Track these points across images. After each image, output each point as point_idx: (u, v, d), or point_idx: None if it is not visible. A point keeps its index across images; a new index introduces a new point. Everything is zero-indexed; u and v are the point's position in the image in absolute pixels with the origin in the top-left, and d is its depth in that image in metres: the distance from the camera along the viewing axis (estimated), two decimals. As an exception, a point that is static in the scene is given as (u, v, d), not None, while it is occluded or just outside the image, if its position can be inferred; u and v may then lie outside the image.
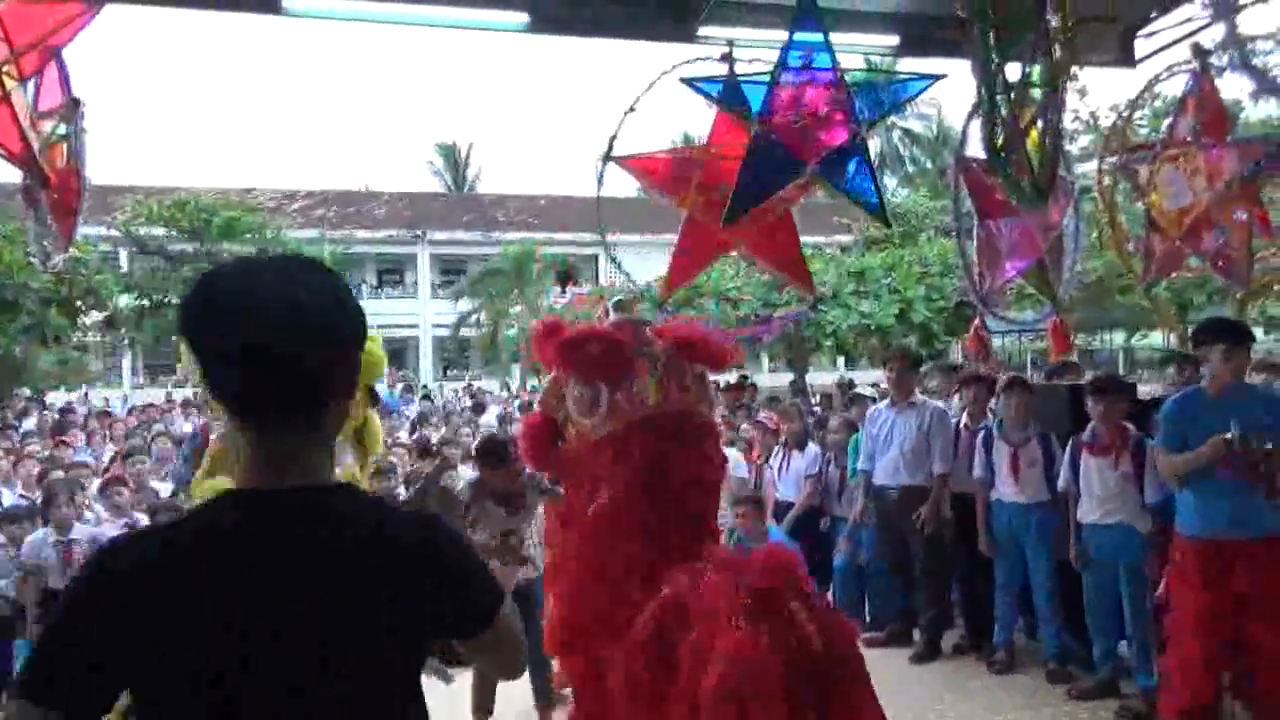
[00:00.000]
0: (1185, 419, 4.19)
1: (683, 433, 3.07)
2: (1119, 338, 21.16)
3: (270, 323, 1.16)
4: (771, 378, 20.07)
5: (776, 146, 4.70)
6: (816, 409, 9.40)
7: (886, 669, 5.16)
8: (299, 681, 1.15)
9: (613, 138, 4.76)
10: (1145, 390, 6.63)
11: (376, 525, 1.25)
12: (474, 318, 25.14)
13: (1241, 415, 4.00)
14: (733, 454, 6.40)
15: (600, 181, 4.74)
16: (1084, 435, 4.75)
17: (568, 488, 3.30)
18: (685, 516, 3.01)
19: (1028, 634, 5.40)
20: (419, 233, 30.81)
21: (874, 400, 7.17)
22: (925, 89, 5.13)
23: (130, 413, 14.24)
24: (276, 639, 1.14)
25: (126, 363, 28.65)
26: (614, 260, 6.04)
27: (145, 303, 21.80)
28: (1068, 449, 4.84)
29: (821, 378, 20.71)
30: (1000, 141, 4.98)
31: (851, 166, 4.85)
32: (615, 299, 3.49)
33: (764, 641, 2.37)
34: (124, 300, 20.86)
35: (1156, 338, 18.15)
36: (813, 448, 6.43)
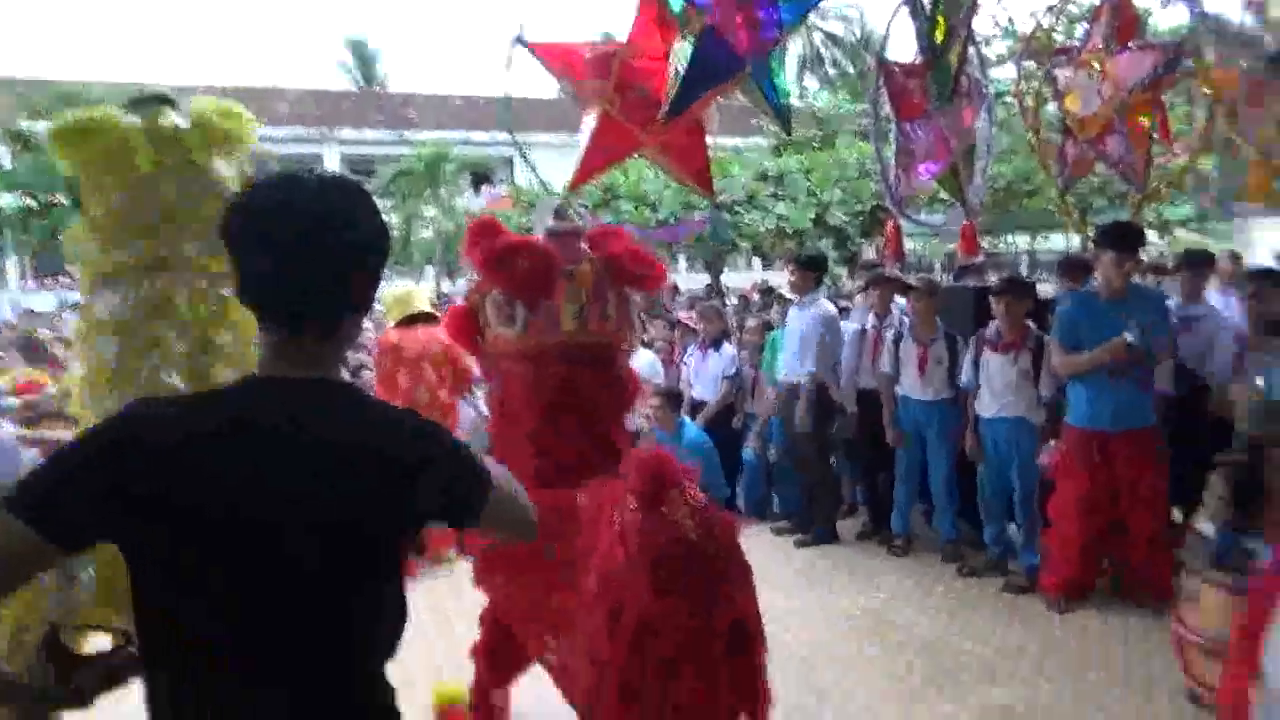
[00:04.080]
0: (1081, 319, 4.41)
1: (597, 361, 3.08)
2: (1023, 240, 21.80)
3: (305, 233, 1.26)
4: (689, 278, 20.16)
5: (722, 42, 4.64)
6: (734, 309, 9.51)
7: (792, 556, 5.45)
8: (295, 552, 1.23)
9: (522, 24, 4.59)
10: (1044, 290, 6.90)
11: (379, 417, 1.36)
12: (386, 219, 24.38)
13: (1134, 317, 4.24)
14: (649, 356, 6.50)
15: (510, 65, 4.51)
16: (987, 333, 4.95)
17: (489, 381, 3.29)
18: (595, 441, 3.03)
19: (925, 520, 5.72)
20: (326, 130, 29.58)
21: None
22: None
23: (19, 318, 13.54)
24: (279, 511, 1.23)
25: (12, 266, 27.12)
26: (526, 159, 5.91)
27: (32, 203, 20.54)
28: (970, 346, 5.04)
29: (738, 279, 20.92)
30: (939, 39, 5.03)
31: (766, 67, 4.83)
32: (556, 205, 3.37)
33: (636, 535, 2.43)
34: (7, 200, 19.65)
35: (1058, 240, 18.76)
36: (729, 348, 6.56)
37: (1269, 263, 7.50)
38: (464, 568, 3.37)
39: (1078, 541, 4.42)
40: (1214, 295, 6.60)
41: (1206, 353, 5.00)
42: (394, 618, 1.38)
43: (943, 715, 3.48)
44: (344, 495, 1.26)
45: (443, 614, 4.42)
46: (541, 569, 2.81)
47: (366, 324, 8.26)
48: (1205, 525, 3.52)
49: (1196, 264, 5.52)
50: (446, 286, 20.43)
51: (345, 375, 5.52)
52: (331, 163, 30.19)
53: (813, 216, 16.30)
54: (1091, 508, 4.38)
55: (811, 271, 5.77)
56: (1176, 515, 4.59)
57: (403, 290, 5.82)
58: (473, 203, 23.49)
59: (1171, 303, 5.01)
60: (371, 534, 1.30)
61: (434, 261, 23.88)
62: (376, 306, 7.86)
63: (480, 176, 27.91)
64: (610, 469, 2.90)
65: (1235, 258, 8.81)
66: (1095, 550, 4.51)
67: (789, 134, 6.54)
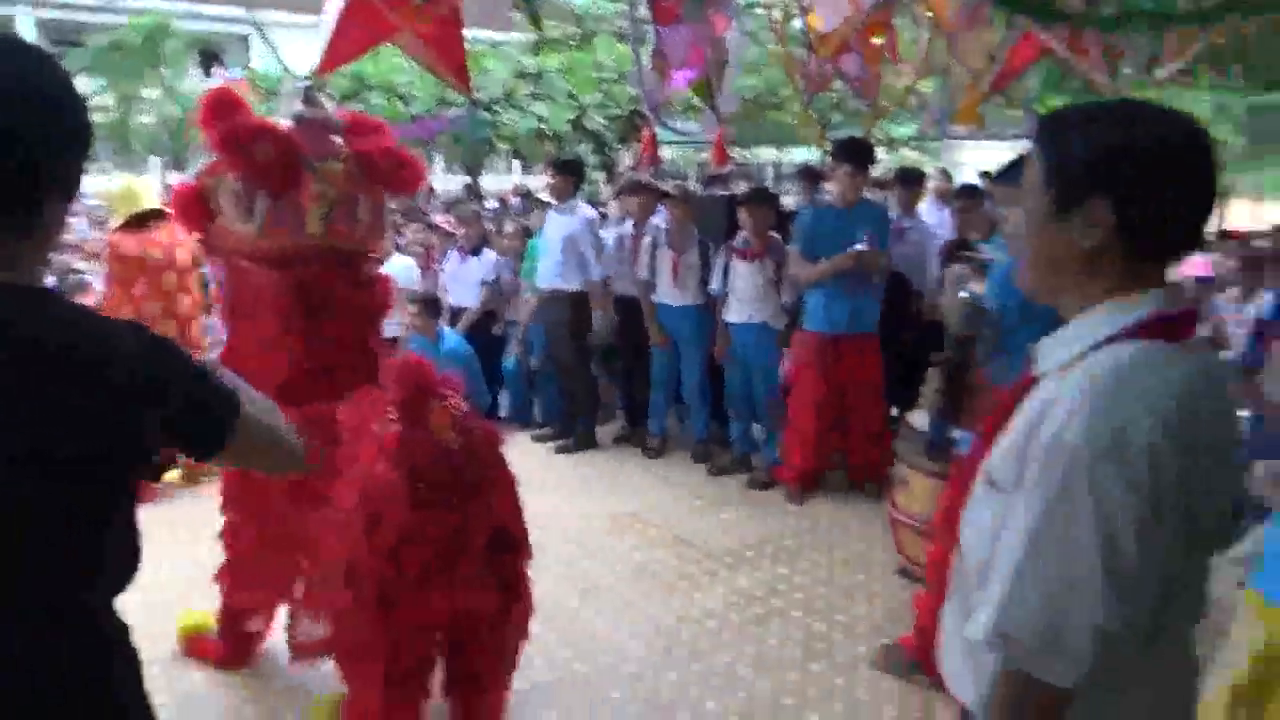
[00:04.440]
0: (818, 230, 4.72)
1: (346, 265, 2.90)
2: (769, 153, 22.84)
3: None
4: (445, 180, 19.53)
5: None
6: (493, 212, 9.32)
7: (553, 461, 5.58)
8: None
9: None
10: (787, 202, 7.31)
11: (94, 330, 1.16)
12: (98, 100, 21.53)
13: (865, 228, 4.60)
14: (405, 261, 6.27)
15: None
16: (736, 242, 5.18)
17: (220, 278, 3.01)
18: (349, 350, 2.90)
19: (678, 421, 6.01)
20: (16, -9, 25.45)
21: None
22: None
23: None
24: None
25: None
26: (265, 38, 5.40)
27: None
28: (720, 254, 5.27)
29: (497, 182, 20.52)
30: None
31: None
32: (306, 85, 3.05)
33: (396, 447, 2.38)
34: None
35: (801, 154, 19.84)
36: (489, 253, 6.45)
37: (974, 181, 8.36)
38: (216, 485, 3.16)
39: (813, 438, 4.84)
40: (930, 209, 7.30)
41: (917, 261, 5.54)
42: (120, 551, 1.24)
43: (693, 603, 3.74)
44: (44, 422, 1.09)
45: (188, 535, 4.15)
46: (295, 491, 2.69)
47: (80, 223, 7.34)
48: (918, 418, 3.96)
49: (909, 180, 6.04)
50: (174, 180, 18.50)
51: (50, 281, 4.94)
52: (26, 31, 26.10)
53: (571, 119, 16.18)
54: (825, 406, 4.79)
55: (570, 176, 5.73)
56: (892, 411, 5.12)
57: (124, 185, 5.22)
58: (201, 86, 21.27)
59: (891, 215, 5.48)
60: (82, 465, 1.14)
61: (158, 152, 21.49)
62: (96, 203, 6.96)
63: (209, 56, 25.23)
64: (367, 378, 2.81)
65: (946, 175, 9.74)
66: (826, 445, 4.97)
67: (539, 29, 6.42)
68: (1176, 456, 1.07)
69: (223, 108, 2.72)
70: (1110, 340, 1.16)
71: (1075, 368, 1.17)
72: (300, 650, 2.73)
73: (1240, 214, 20.10)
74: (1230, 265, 6.28)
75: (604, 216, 6.45)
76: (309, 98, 2.89)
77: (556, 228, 5.61)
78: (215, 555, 3.10)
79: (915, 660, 3.12)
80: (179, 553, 3.98)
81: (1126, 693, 1.19)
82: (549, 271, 5.65)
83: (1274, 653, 1.65)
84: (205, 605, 3.28)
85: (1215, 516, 1.19)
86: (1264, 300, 4.32)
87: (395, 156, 2.92)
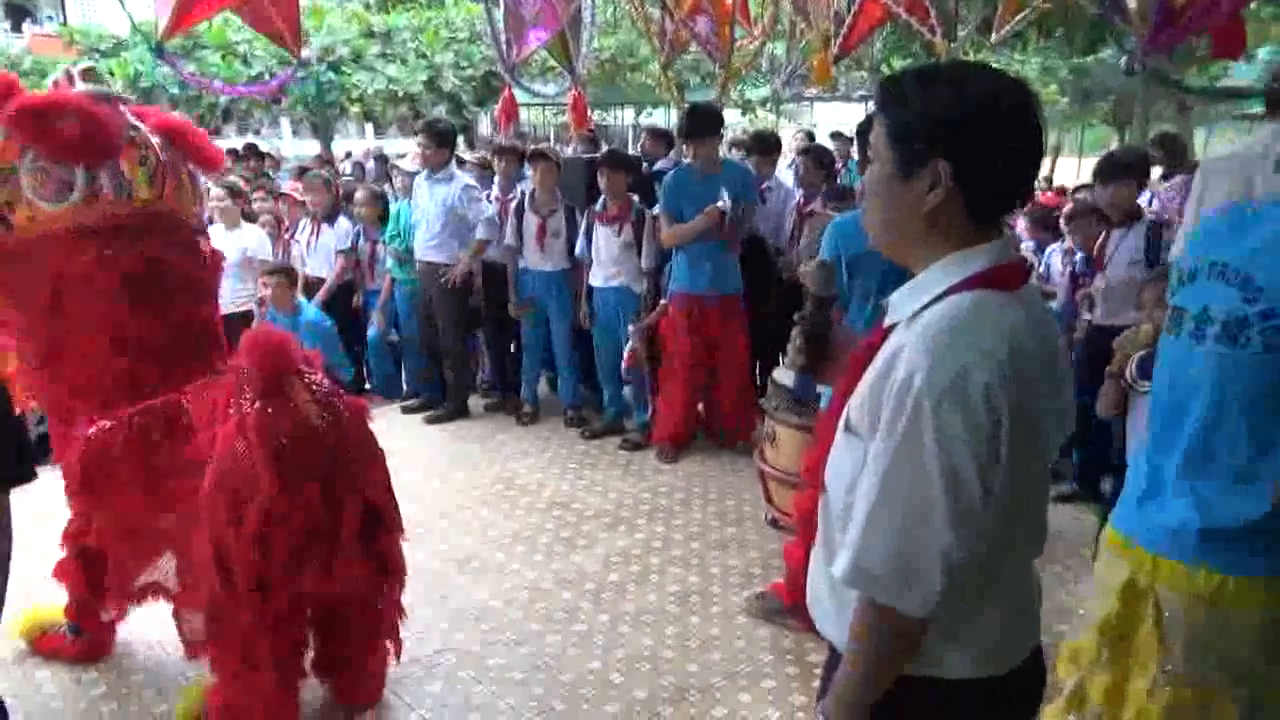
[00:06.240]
0: (680, 192, 4.76)
1: (177, 235, 2.73)
2: (629, 115, 22.83)
3: None
4: (295, 145, 18.63)
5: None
6: (348, 179, 8.94)
7: (424, 432, 5.48)
8: None
9: None
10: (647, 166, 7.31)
11: None
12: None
13: (726, 188, 4.66)
14: (255, 230, 5.98)
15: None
16: (597, 206, 5.17)
17: (10, 280, 2.60)
18: (186, 326, 2.75)
19: (549, 387, 6.00)
20: None
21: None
22: None
23: None
24: None
25: None
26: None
27: None
28: (585, 218, 5.25)
29: (350, 146, 19.73)
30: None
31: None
32: (85, 65, 2.83)
33: (256, 427, 2.30)
34: None
35: (662, 116, 19.92)
36: (343, 221, 6.21)
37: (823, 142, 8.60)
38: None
39: (683, 398, 4.93)
40: (789, 171, 7.47)
41: (777, 223, 5.68)
42: None
43: (572, 565, 3.78)
44: None
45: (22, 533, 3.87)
46: (146, 488, 2.56)
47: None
48: (783, 375, 4.09)
49: (766, 146, 6.14)
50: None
51: None
52: None
53: (424, 80, 15.72)
54: (694, 366, 4.88)
55: (445, 146, 5.48)
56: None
57: None
58: (12, 44, 19.51)
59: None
60: None
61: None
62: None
63: (19, 10, 23.16)
64: (210, 359, 2.71)
65: (809, 136, 9.99)
66: (694, 402, 5.07)
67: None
68: (1010, 396, 1.16)
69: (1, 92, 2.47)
70: (952, 290, 1.23)
71: (921, 317, 1.23)
72: (193, 649, 2.67)
73: (1067, 169, 21.49)
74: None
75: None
76: (92, 75, 2.75)
77: (434, 197, 5.41)
78: (52, 547, 2.93)
79: (787, 605, 3.25)
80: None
81: (974, 621, 1.28)
82: (426, 243, 5.46)
83: (1136, 589, 1.79)
84: (48, 601, 3.09)
85: (1049, 451, 1.30)
86: (1079, 254, 4.66)
87: (192, 129, 2.83)
